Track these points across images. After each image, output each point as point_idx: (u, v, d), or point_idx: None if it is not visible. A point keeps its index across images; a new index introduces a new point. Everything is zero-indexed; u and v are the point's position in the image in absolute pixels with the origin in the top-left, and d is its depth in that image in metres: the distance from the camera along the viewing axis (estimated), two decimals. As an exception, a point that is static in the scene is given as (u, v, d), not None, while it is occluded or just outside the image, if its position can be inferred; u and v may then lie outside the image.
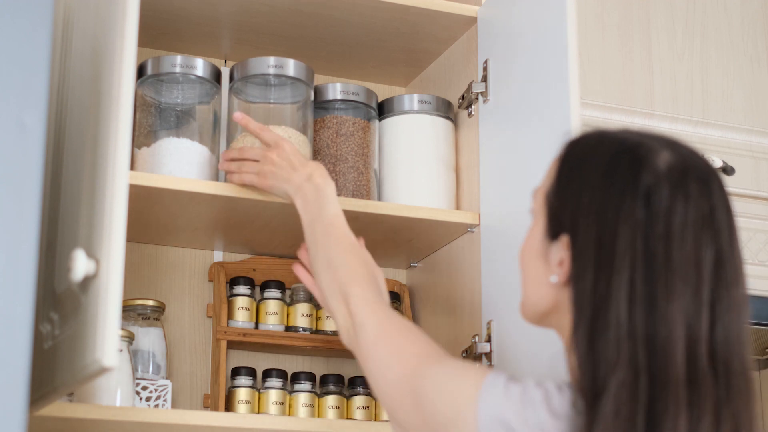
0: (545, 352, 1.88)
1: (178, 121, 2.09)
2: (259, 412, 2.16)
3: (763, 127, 2.57)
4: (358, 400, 2.22)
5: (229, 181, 1.99)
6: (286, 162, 1.88)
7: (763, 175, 2.57)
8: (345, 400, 2.22)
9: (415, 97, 2.23)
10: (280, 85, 2.12)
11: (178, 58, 2.10)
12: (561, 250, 1.43)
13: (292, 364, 2.27)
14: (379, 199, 2.19)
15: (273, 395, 2.17)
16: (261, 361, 2.25)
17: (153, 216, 2.10)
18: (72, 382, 1.59)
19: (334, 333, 2.23)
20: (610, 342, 1.35)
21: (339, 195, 2.12)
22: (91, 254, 1.55)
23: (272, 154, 1.90)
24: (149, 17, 2.16)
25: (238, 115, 1.97)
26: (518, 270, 1.56)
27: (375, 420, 2.22)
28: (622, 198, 1.38)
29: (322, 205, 1.81)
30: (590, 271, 1.38)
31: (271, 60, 2.09)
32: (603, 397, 1.34)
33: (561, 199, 1.45)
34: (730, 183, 1.61)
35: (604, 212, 1.39)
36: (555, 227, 1.45)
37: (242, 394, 2.15)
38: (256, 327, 2.21)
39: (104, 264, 1.52)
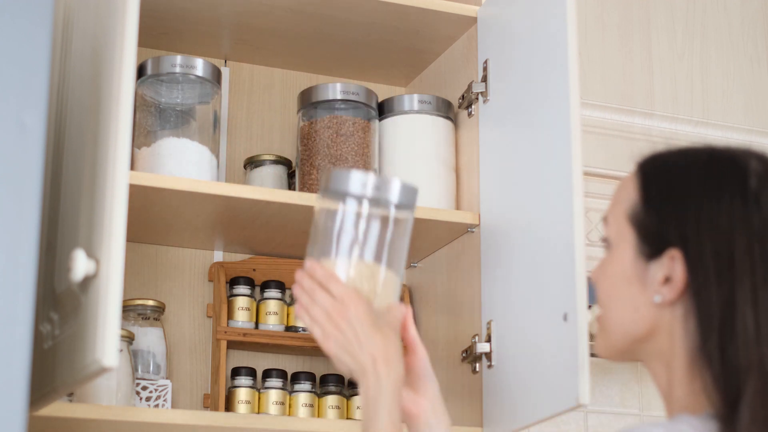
0: (545, 352, 1.88)
1: (178, 121, 2.09)
2: (259, 412, 2.16)
3: (763, 127, 2.58)
4: (358, 400, 2.21)
5: (296, 311, 1.68)
6: (351, 332, 1.64)
7: (763, 175, 2.57)
8: (345, 400, 2.22)
9: (415, 97, 2.23)
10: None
11: (178, 58, 2.10)
12: (666, 266, 1.40)
13: (292, 364, 2.27)
14: (379, 199, 2.19)
15: (273, 395, 2.17)
16: (261, 361, 2.25)
17: (153, 216, 2.10)
18: (72, 382, 1.59)
19: (334, 333, 2.23)
20: (740, 350, 1.34)
21: (339, 195, 2.12)
22: (91, 254, 1.55)
23: (338, 319, 1.65)
24: (149, 17, 2.16)
25: (301, 273, 1.67)
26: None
27: (375, 420, 2.22)
28: (733, 204, 1.38)
29: (375, 411, 1.61)
30: (712, 281, 1.36)
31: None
32: (739, 406, 1.32)
33: (659, 214, 1.42)
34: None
35: (717, 220, 1.37)
36: (656, 244, 1.41)
37: (242, 394, 2.15)
38: (256, 327, 2.21)
39: (104, 264, 1.52)
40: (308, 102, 2.20)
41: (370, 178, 1.66)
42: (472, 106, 2.19)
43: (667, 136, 2.47)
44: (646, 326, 1.42)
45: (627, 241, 1.44)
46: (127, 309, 2.11)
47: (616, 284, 1.44)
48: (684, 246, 1.39)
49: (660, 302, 1.40)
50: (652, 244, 1.42)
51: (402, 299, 2.30)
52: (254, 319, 2.21)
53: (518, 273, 1.99)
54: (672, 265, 1.39)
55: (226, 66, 2.36)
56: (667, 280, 1.40)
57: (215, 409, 2.14)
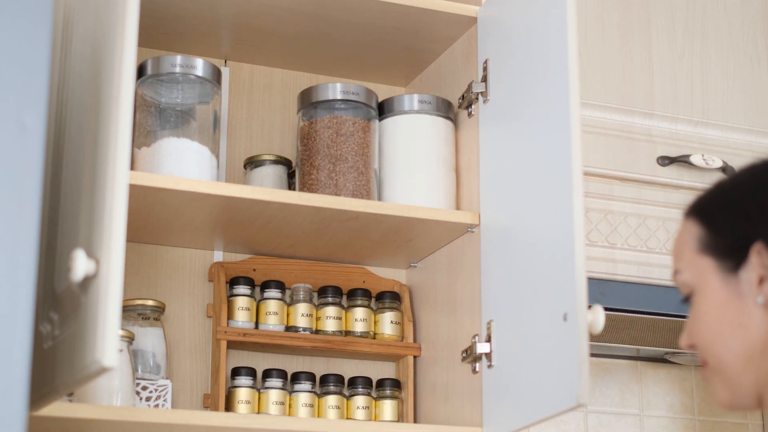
0: (545, 352, 1.88)
1: (178, 121, 2.09)
2: (259, 412, 2.16)
3: (763, 127, 2.57)
4: (358, 400, 2.22)
5: None
6: None
7: (763, 175, 2.56)
8: (345, 400, 2.22)
9: (415, 97, 2.23)
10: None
11: (178, 58, 2.10)
12: (756, 264, 1.40)
13: (292, 364, 2.27)
14: (379, 199, 2.20)
15: (273, 395, 2.17)
16: (261, 361, 2.25)
17: (153, 216, 2.10)
18: (72, 382, 1.59)
19: (334, 333, 2.24)
20: None
21: (339, 195, 2.12)
22: (91, 254, 1.55)
23: None
24: (149, 17, 2.16)
25: None
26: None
27: (375, 420, 2.22)
28: None
29: None
30: None
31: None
32: None
33: (728, 228, 1.44)
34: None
35: None
36: (738, 251, 1.42)
37: (242, 394, 2.15)
38: (256, 327, 2.21)
39: (104, 264, 1.52)
40: (308, 102, 2.20)
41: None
42: (472, 106, 2.19)
43: (667, 136, 2.47)
44: (758, 339, 1.41)
45: (708, 271, 1.45)
46: (127, 309, 2.11)
47: (713, 316, 1.44)
48: (764, 238, 1.40)
49: (763, 302, 1.39)
50: (734, 254, 1.42)
51: (402, 299, 2.30)
52: (254, 319, 2.21)
53: (518, 273, 1.99)
54: (760, 260, 1.40)
55: (226, 66, 2.36)
56: (762, 280, 1.40)
57: (215, 409, 2.14)
